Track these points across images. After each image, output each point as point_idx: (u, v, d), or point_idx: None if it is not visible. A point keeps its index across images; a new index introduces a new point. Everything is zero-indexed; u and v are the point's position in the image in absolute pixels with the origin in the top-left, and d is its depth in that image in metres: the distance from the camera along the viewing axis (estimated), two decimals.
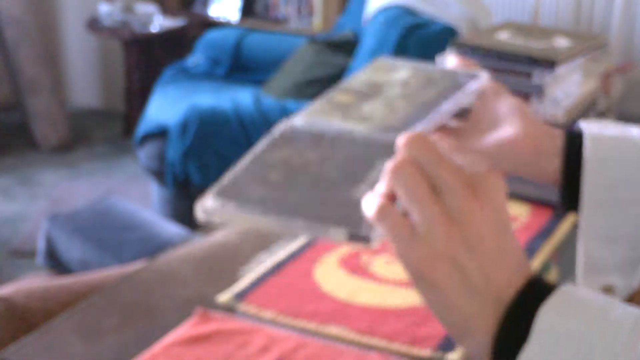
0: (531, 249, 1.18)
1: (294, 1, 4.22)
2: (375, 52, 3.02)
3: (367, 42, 3.16)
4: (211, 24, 4.21)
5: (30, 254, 2.93)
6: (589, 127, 0.83)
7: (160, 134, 3.23)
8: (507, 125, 0.81)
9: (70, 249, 2.15)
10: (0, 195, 3.69)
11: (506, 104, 0.83)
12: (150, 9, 4.12)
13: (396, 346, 0.97)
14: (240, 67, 3.69)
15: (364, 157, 0.66)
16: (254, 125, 3.13)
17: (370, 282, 1.12)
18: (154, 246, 2.02)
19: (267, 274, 1.14)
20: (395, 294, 1.08)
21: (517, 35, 1.38)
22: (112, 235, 2.15)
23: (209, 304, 1.07)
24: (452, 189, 0.58)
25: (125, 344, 1.00)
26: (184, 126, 3.12)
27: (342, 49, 3.45)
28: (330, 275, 1.14)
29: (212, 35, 3.78)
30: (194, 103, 3.18)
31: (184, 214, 3.17)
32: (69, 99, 4.68)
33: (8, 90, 4.42)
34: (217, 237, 1.29)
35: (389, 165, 0.59)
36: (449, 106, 0.79)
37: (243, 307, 1.05)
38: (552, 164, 0.82)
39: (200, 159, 3.12)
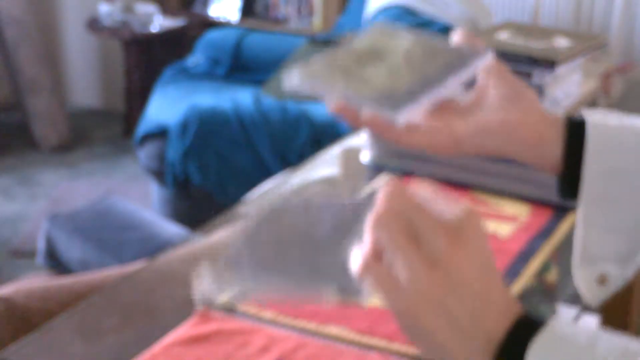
0: (531, 249, 1.18)
1: (294, 1, 4.22)
2: None
3: None
4: (211, 24, 4.21)
5: (30, 254, 2.93)
6: (592, 116, 0.83)
7: (160, 134, 3.23)
8: (510, 108, 0.80)
9: (70, 249, 2.16)
10: (0, 195, 3.70)
11: (510, 86, 0.81)
12: (150, 9, 4.12)
13: (396, 346, 0.97)
14: (240, 67, 3.69)
15: (353, 218, 0.67)
16: (254, 125, 3.13)
17: None
18: (154, 246, 2.02)
19: None
20: None
21: (517, 35, 1.39)
22: (112, 235, 2.15)
23: (209, 304, 1.07)
24: (432, 235, 0.59)
25: (125, 344, 1.00)
26: (184, 126, 3.12)
27: None
28: None
29: (212, 35, 3.78)
30: (194, 103, 3.18)
31: (184, 214, 3.17)
32: (69, 99, 4.68)
33: (8, 90, 4.42)
34: (217, 237, 1.29)
35: (369, 217, 0.61)
36: (453, 82, 0.79)
37: (243, 307, 1.05)
38: (553, 152, 0.82)
39: (200, 159, 3.12)
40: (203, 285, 0.66)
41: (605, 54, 1.59)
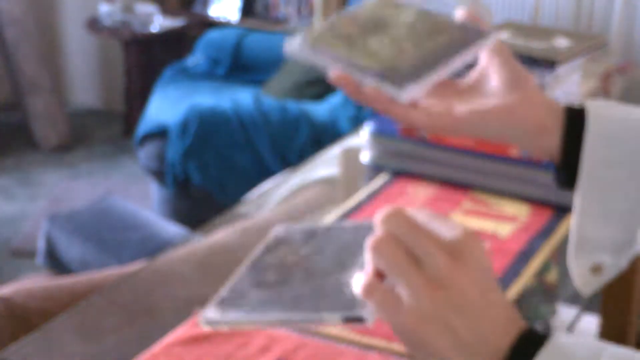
0: (531, 249, 1.18)
1: (294, 1, 4.22)
2: None
3: None
4: (211, 24, 4.21)
5: (30, 254, 2.93)
6: (592, 105, 0.82)
7: (160, 134, 3.23)
8: (511, 93, 0.80)
9: (70, 249, 2.16)
10: (0, 195, 3.70)
11: (513, 70, 0.81)
12: (150, 9, 4.12)
13: (396, 346, 0.97)
14: (240, 67, 3.69)
15: (354, 243, 0.68)
16: (254, 125, 3.13)
17: None
18: (154, 246, 2.02)
19: None
20: None
21: (517, 35, 1.38)
22: (112, 235, 2.15)
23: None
24: (431, 256, 0.60)
25: (125, 344, 1.00)
26: (184, 126, 3.12)
27: None
28: None
29: (212, 35, 3.78)
30: (194, 103, 3.18)
31: (184, 214, 3.17)
32: (69, 99, 4.68)
33: (8, 90, 4.42)
34: (217, 237, 1.29)
35: (368, 242, 0.61)
36: (457, 62, 0.78)
37: None
38: (553, 140, 0.81)
39: (200, 159, 3.12)
40: (208, 315, 0.67)
41: (605, 54, 1.59)
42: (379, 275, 0.62)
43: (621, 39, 3.50)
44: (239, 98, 3.29)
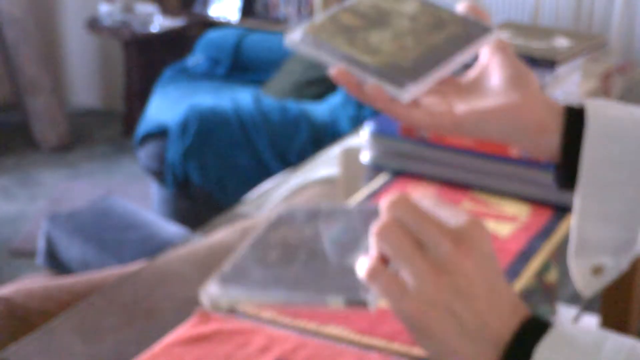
0: (531, 249, 1.18)
1: (294, 1, 4.22)
2: None
3: None
4: (211, 24, 4.21)
5: (30, 254, 2.93)
6: (592, 105, 0.82)
7: (160, 134, 3.23)
8: (512, 92, 0.79)
9: (70, 249, 2.16)
10: (0, 195, 3.70)
11: (514, 68, 0.80)
12: (150, 9, 4.12)
13: (396, 346, 0.97)
14: (240, 67, 3.69)
15: (359, 226, 0.68)
16: (254, 125, 3.13)
17: None
18: (154, 246, 2.02)
19: None
20: None
21: (517, 35, 1.39)
22: (112, 235, 2.15)
23: (216, 310, 1.06)
24: (436, 242, 0.60)
25: (125, 344, 1.00)
26: (184, 126, 3.12)
27: None
28: None
29: (212, 35, 3.78)
30: (194, 103, 3.18)
31: (184, 214, 3.17)
32: (69, 99, 4.68)
33: (8, 90, 4.42)
34: (217, 237, 1.29)
35: (374, 228, 0.61)
36: (459, 60, 0.78)
37: (243, 307, 1.05)
38: (553, 140, 0.80)
39: (200, 159, 3.12)
40: (210, 291, 0.66)
41: (605, 54, 1.59)
42: (384, 260, 0.61)
43: (621, 39, 3.51)
44: (239, 98, 3.29)
